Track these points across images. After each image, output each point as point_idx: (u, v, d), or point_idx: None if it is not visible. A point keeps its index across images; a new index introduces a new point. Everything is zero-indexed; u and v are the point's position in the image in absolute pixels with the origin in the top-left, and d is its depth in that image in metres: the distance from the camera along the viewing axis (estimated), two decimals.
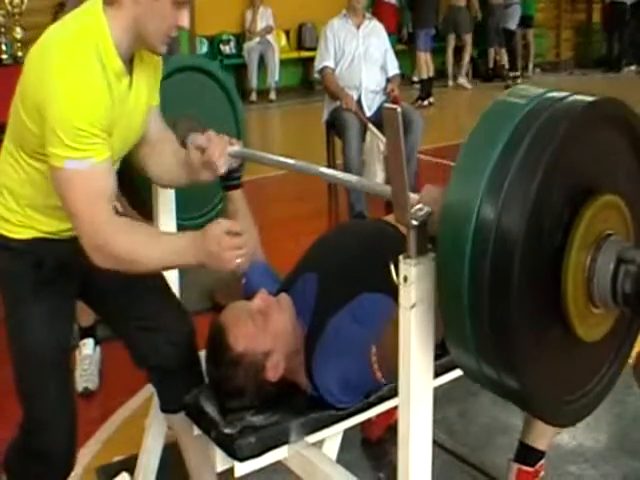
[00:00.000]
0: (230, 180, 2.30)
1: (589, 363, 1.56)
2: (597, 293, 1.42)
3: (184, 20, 1.96)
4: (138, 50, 2.03)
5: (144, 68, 2.08)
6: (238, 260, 1.94)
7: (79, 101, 1.85)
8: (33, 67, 1.92)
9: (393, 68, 5.77)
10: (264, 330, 2.06)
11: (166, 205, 2.45)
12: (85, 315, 3.36)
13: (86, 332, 3.55)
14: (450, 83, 11.92)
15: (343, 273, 2.16)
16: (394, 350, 1.57)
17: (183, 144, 2.25)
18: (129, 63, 2.01)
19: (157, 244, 1.94)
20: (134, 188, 2.50)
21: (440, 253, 1.41)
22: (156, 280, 2.32)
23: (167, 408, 2.43)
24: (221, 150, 2.15)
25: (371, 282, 2.04)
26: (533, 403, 1.45)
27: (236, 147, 2.21)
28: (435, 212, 1.49)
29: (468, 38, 11.96)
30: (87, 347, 3.55)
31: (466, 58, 12.09)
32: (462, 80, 11.94)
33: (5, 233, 2.10)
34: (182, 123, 2.46)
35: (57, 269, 2.13)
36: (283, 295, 2.17)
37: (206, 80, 2.69)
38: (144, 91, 2.09)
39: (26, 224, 2.09)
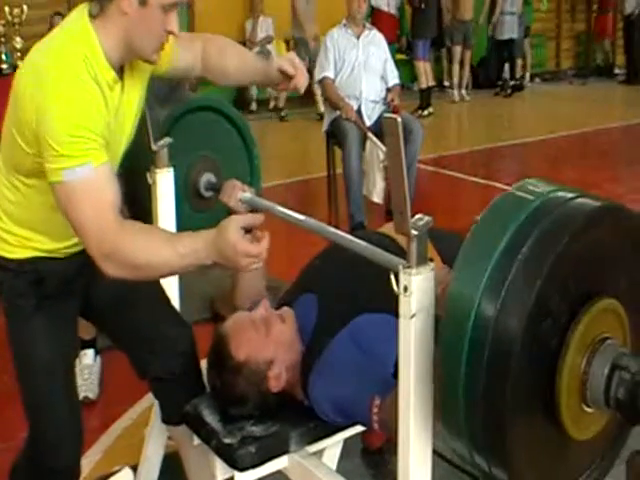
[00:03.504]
0: None
1: (578, 460, 1.58)
2: (590, 396, 1.44)
3: (173, 25, 1.91)
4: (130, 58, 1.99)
5: (136, 69, 2.04)
6: (254, 266, 1.85)
7: (71, 109, 1.80)
8: (24, 90, 1.86)
9: (393, 78, 5.78)
10: (266, 339, 2.06)
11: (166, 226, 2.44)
12: (86, 329, 3.33)
13: (87, 343, 3.54)
14: (455, 94, 11.84)
15: (342, 292, 2.13)
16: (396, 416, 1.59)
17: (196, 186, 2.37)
18: (119, 69, 1.97)
19: (171, 248, 1.83)
20: (135, 199, 2.51)
21: (440, 345, 1.44)
22: (154, 291, 2.32)
23: (169, 420, 2.42)
24: (231, 195, 2.22)
25: (371, 301, 2.03)
26: None
27: (248, 194, 2.24)
28: (441, 293, 1.50)
29: (469, 53, 11.94)
30: (87, 357, 3.53)
31: (467, 70, 12.05)
32: (463, 92, 11.90)
33: (4, 254, 2.08)
34: (197, 164, 2.51)
35: (58, 286, 2.12)
36: (286, 309, 2.17)
37: (219, 119, 2.69)
38: (137, 92, 2.06)
39: (25, 244, 2.07)
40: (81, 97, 1.83)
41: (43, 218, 2.03)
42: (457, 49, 11.69)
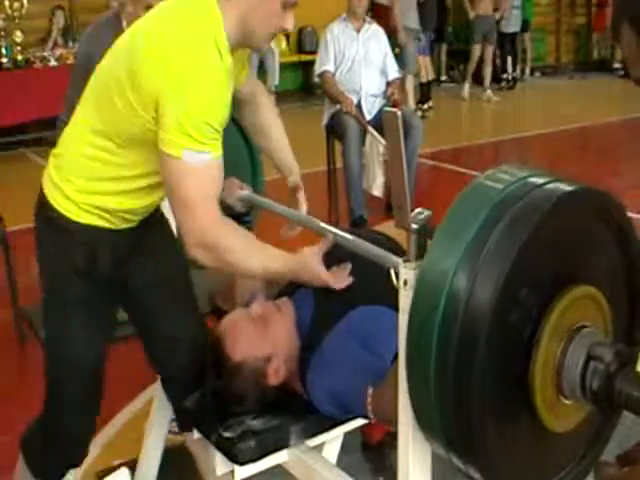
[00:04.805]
0: (239, 223, 2.29)
1: (558, 454, 1.53)
2: (566, 386, 1.40)
3: (289, 23, 1.95)
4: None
5: (237, 56, 2.02)
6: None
7: (209, 96, 1.82)
8: (149, 59, 1.85)
9: (393, 72, 5.77)
10: (264, 334, 2.06)
11: None
12: None
13: None
14: (466, 91, 11.69)
15: (339, 291, 2.11)
16: (390, 403, 1.58)
17: None
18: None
19: (261, 261, 1.96)
20: None
21: (408, 338, 1.40)
22: (187, 291, 2.34)
23: (185, 429, 2.36)
24: (229, 193, 2.25)
25: (367, 295, 2.03)
26: None
27: (246, 192, 2.24)
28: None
29: (491, 49, 11.80)
30: None
31: (489, 66, 11.87)
32: (488, 92, 11.73)
33: (67, 214, 2.05)
34: None
35: (111, 267, 2.12)
36: (284, 299, 2.17)
37: None
38: (234, 78, 2.05)
39: (91, 209, 2.05)
40: (217, 85, 1.85)
41: (122, 180, 2.03)
42: (475, 47, 11.56)
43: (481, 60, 11.67)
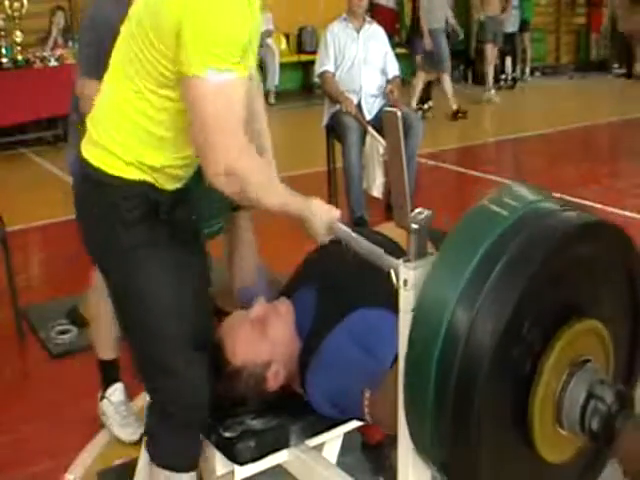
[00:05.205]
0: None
1: None
2: (566, 420, 1.39)
3: None
4: None
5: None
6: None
7: (232, 16, 1.79)
8: None
9: (393, 70, 5.76)
10: (263, 339, 2.05)
11: None
12: (108, 344, 3.15)
13: (109, 371, 3.19)
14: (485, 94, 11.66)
15: (341, 287, 2.13)
16: (387, 408, 1.58)
17: None
18: None
19: (279, 186, 1.93)
20: None
21: (406, 364, 1.39)
22: (205, 280, 2.24)
23: None
24: None
25: (370, 296, 2.03)
26: None
27: None
28: None
29: (496, 50, 11.77)
30: (119, 392, 3.17)
31: (491, 67, 11.84)
32: (492, 92, 11.70)
33: (116, 173, 1.98)
34: None
35: (173, 212, 2.05)
36: (283, 299, 2.16)
37: None
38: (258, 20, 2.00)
39: (140, 165, 1.98)
40: (239, 5, 1.82)
41: (176, 128, 1.96)
42: (488, 47, 11.51)
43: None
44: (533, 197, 1.39)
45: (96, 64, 2.39)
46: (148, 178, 2.01)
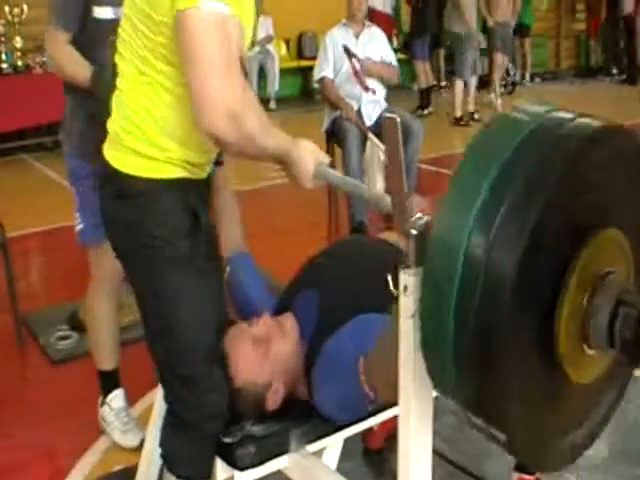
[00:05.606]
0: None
1: (578, 405, 1.49)
2: (592, 335, 1.34)
3: None
4: None
5: None
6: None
7: None
8: None
9: (391, 60, 5.77)
10: (265, 360, 2.04)
11: None
12: (110, 355, 3.14)
13: (109, 378, 3.18)
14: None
15: (345, 291, 2.11)
16: (380, 365, 1.57)
17: None
18: None
19: (271, 126, 1.89)
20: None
21: (425, 292, 1.35)
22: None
23: None
24: None
25: (373, 300, 2.02)
26: (515, 445, 1.38)
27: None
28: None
29: (506, 60, 11.77)
30: (119, 399, 3.18)
31: (499, 74, 11.83)
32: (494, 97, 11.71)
33: (153, 175, 1.93)
34: None
35: (209, 223, 2.02)
36: (288, 316, 2.13)
37: None
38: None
39: (173, 159, 1.94)
40: None
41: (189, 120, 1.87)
42: (498, 56, 11.49)
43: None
44: (542, 112, 1.34)
45: (58, 13, 2.57)
46: (185, 173, 1.97)
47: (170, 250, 1.94)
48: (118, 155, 1.98)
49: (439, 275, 1.30)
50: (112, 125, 2.01)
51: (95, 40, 2.77)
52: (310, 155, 1.94)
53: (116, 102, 2.01)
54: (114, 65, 1.99)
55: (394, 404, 1.58)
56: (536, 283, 1.27)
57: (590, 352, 1.38)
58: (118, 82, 1.99)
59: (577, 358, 1.37)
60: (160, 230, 1.94)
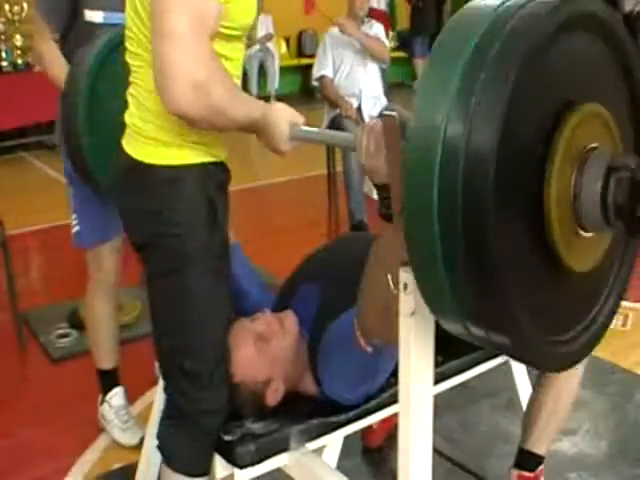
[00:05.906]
0: None
1: (581, 298, 1.43)
2: (585, 212, 1.28)
3: None
4: None
5: None
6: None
7: None
8: None
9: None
10: (265, 358, 2.05)
11: None
12: (109, 355, 3.14)
13: (109, 377, 3.19)
14: None
15: (344, 285, 2.08)
16: (369, 308, 1.63)
17: None
18: None
19: (241, 95, 1.83)
20: (80, 154, 2.63)
21: (406, 187, 1.27)
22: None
23: None
24: None
25: None
26: (519, 344, 1.31)
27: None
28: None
29: None
30: (119, 397, 3.18)
31: None
32: None
33: (174, 162, 1.90)
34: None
35: (224, 221, 1.98)
36: (289, 314, 2.14)
37: None
38: None
39: (193, 143, 1.91)
40: None
41: None
42: None
43: None
44: None
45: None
46: (206, 157, 1.95)
47: (189, 241, 1.92)
48: (138, 145, 1.96)
49: (420, 165, 1.24)
50: (130, 118, 1.99)
51: (83, 41, 2.79)
52: (283, 117, 1.89)
53: (132, 95, 1.99)
54: (125, 64, 1.99)
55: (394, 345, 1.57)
56: (519, 161, 1.22)
57: (586, 235, 1.32)
58: (132, 77, 1.98)
59: (573, 244, 1.31)
60: (180, 217, 1.91)
